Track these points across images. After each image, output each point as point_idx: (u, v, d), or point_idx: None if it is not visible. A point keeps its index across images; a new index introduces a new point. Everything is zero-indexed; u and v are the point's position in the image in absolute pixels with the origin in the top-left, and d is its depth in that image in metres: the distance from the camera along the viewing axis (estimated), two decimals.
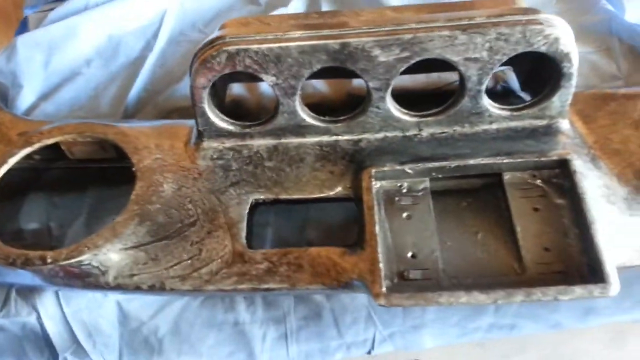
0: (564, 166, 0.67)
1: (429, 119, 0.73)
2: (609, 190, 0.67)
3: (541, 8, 1.03)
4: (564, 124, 0.73)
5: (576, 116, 0.76)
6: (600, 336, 1.26)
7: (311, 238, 0.74)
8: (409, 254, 0.64)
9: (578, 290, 0.57)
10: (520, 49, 0.66)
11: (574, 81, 0.69)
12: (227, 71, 0.68)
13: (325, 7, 1.07)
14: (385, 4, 1.04)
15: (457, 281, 0.62)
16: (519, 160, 0.68)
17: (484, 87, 0.69)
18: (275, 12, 1.05)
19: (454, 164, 0.68)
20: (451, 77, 0.88)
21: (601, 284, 0.58)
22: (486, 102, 0.71)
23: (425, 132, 0.73)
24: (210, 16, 1.08)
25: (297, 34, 0.67)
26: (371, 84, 0.68)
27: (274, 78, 0.68)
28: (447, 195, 0.70)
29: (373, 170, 0.68)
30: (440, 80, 0.91)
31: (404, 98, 0.74)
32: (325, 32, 0.67)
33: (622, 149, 0.71)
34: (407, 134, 0.74)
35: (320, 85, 0.93)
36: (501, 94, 0.91)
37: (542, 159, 0.68)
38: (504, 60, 0.67)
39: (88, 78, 0.96)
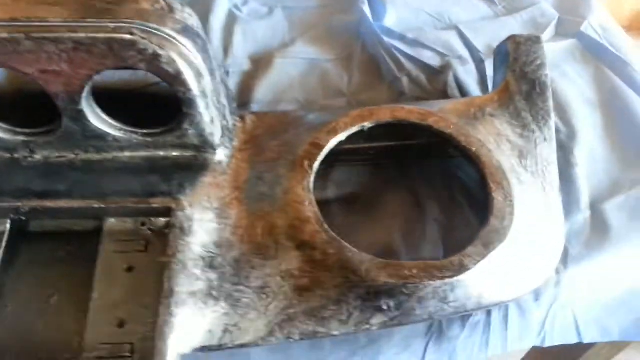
0: (169, 216, 0.54)
1: (38, 138, 0.57)
2: (217, 250, 0.54)
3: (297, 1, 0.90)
4: (218, 156, 0.60)
5: (248, 144, 0.63)
6: None
7: None
8: None
9: None
10: (111, 63, 0.51)
11: (199, 109, 0.55)
12: None
13: None
14: None
15: None
16: (119, 205, 0.54)
17: (84, 107, 0.54)
18: None
19: (28, 206, 0.53)
20: None
21: None
22: (101, 125, 0.56)
23: (39, 155, 0.58)
24: None
25: None
26: None
27: None
28: (47, 239, 0.56)
29: None
30: (146, 78, 0.75)
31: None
32: None
33: (268, 193, 0.58)
34: (16, 155, 0.58)
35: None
36: None
37: (145, 205, 0.54)
38: (95, 76, 0.52)
39: None
